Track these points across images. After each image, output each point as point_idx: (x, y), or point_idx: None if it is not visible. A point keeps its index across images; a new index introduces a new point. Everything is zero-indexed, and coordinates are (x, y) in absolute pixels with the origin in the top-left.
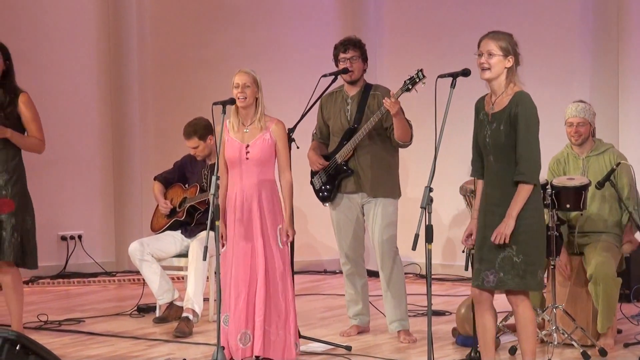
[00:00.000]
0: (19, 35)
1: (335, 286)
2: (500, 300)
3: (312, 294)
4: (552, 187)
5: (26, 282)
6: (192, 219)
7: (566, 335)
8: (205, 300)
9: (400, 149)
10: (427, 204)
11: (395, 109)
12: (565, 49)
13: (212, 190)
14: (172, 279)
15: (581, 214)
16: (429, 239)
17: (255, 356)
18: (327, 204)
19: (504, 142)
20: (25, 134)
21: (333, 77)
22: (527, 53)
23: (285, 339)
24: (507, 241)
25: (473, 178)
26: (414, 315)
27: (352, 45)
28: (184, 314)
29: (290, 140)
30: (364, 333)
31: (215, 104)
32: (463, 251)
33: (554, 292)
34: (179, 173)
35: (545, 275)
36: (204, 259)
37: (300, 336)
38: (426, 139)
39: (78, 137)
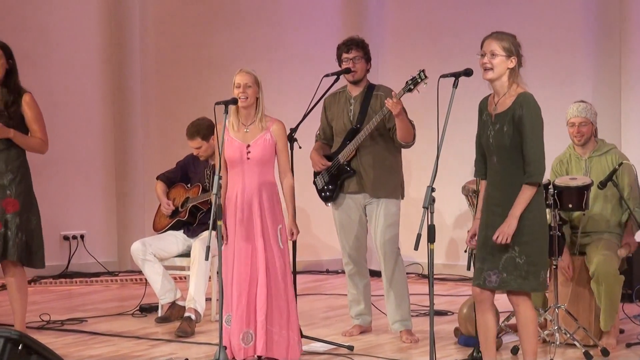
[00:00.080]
0: (22, 36)
1: (337, 286)
2: (502, 300)
3: (315, 294)
4: (555, 187)
5: (29, 282)
6: (194, 219)
7: (568, 335)
8: (208, 300)
9: (403, 149)
10: (430, 203)
11: (398, 109)
12: (568, 49)
13: (214, 190)
14: (175, 278)
15: (583, 214)
16: (431, 238)
17: (258, 356)
18: (329, 204)
19: (507, 143)
20: (29, 134)
21: (335, 77)
22: (529, 54)
23: (289, 338)
24: (509, 241)
25: (476, 178)
26: (416, 315)
27: (355, 45)
28: (186, 314)
29: (292, 140)
30: (366, 333)
31: (217, 103)
32: (465, 251)
33: (556, 292)
34: (181, 172)
35: (548, 275)
36: (206, 258)
37: (303, 336)
38: (429, 139)
39: (80, 137)
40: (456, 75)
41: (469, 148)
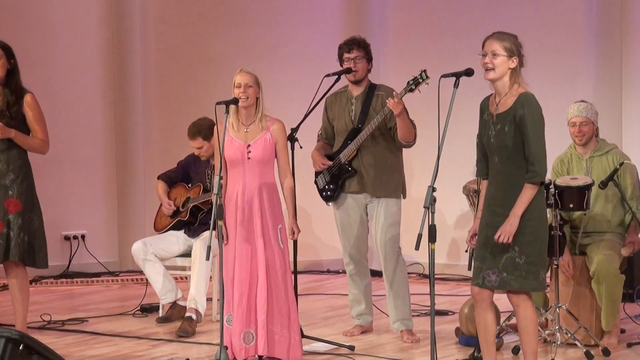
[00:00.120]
0: (23, 36)
1: (338, 286)
2: (504, 300)
3: (315, 294)
4: (556, 186)
5: (29, 282)
6: (195, 219)
7: (569, 335)
8: (209, 300)
9: (404, 149)
10: (430, 203)
11: (399, 109)
12: (568, 50)
13: (215, 190)
14: (175, 278)
15: (584, 214)
16: (432, 238)
17: (259, 356)
18: (330, 204)
19: (508, 143)
20: (30, 134)
21: (336, 77)
22: (530, 54)
23: (290, 337)
24: (510, 240)
25: (477, 178)
26: (417, 315)
27: (357, 45)
28: (187, 314)
29: (293, 140)
30: (367, 333)
31: (218, 103)
32: (466, 251)
33: (557, 291)
34: (182, 172)
35: (549, 274)
36: (207, 258)
37: (304, 336)
38: (430, 139)
39: (81, 137)
40: (457, 75)
41: (469, 148)
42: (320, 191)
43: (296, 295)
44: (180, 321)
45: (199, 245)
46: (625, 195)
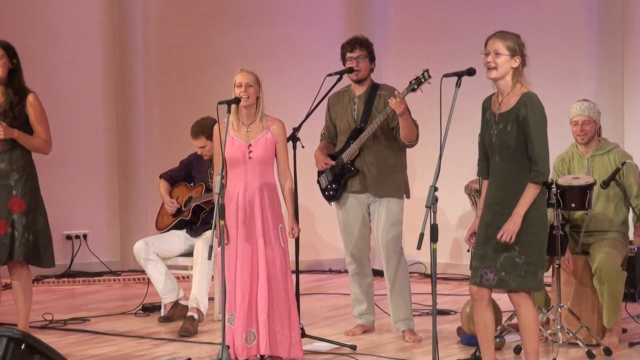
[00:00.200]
0: (25, 35)
1: (340, 285)
2: (505, 300)
3: (317, 293)
4: (558, 186)
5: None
6: (197, 219)
7: (571, 335)
8: (210, 299)
9: (406, 149)
10: (432, 203)
11: (401, 109)
12: (570, 50)
13: (217, 190)
14: (177, 278)
15: (586, 214)
16: (434, 238)
17: (260, 355)
18: (333, 203)
19: (510, 142)
20: (33, 134)
21: (338, 76)
22: (532, 54)
23: (291, 336)
24: (513, 239)
25: (478, 177)
26: (419, 315)
27: (359, 45)
28: (189, 313)
29: (295, 139)
30: (369, 332)
31: (220, 103)
32: (468, 250)
33: (558, 291)
34: (185, 171)
35: (551, 274)
36: (209, 258)
37: (306, 335)
38: (432, 138)
39: (83, 137)
40: (459, 75)
41: (471, 148)
42: (323, 191)
43: (298, 294)
44: (182, 321)
45: (200, 244)
46: (630, 194)
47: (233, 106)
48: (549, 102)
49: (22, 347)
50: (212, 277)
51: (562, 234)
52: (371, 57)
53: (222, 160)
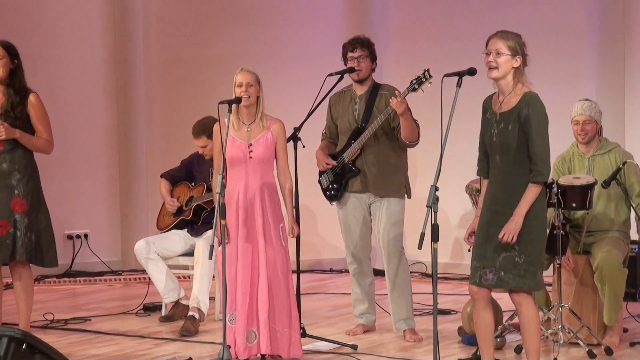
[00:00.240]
0: (26, 35)
1: (341, 285)
2: (506, 299)
3: (318, 293)
4: (559, 186)
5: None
6: (198, 218)
7: (572, 334)
8: (211, 299)
9: (407, 149)
10: (433, 202)
11: (402, 109)
12: (572, 49)
13: (218, 189)
14: (178, 277)
15: (587, 213)
16: (435, 237)
17: (261, 355)
18: (334, 203)
19: (511, 142)
20: (35, 134)
21: (339, 76)
22: (533, 54)
23: (291, 335)
24: (514, 239)
25: (478, 177)
26: (420, 314)
27: (360, 44)
28: (190, 313)
29: (296, 139)
30: (370, 332)
31: (221, 102)
32: (469, 250)
33: (559, 291)
34: (186, 171)
35: (552, 274)
36: (210, 257)
37: (306, 335)
38: (433, 138)
39: (84, 137)
40: (460, 75)
41: (472, 147)
42: (324, 190)
43: (299, 294)
44: (183, 320)
45: (201, 244)
46: (631, 194)
47: (233, 106)
48: (550, 102)
49: (23, 346)
50: (213, 276)
51: (563, 233)
52: (372, 57)
53: (222, 159)
